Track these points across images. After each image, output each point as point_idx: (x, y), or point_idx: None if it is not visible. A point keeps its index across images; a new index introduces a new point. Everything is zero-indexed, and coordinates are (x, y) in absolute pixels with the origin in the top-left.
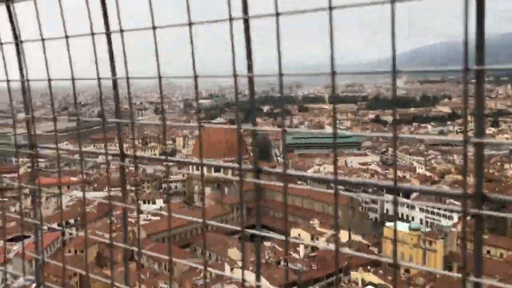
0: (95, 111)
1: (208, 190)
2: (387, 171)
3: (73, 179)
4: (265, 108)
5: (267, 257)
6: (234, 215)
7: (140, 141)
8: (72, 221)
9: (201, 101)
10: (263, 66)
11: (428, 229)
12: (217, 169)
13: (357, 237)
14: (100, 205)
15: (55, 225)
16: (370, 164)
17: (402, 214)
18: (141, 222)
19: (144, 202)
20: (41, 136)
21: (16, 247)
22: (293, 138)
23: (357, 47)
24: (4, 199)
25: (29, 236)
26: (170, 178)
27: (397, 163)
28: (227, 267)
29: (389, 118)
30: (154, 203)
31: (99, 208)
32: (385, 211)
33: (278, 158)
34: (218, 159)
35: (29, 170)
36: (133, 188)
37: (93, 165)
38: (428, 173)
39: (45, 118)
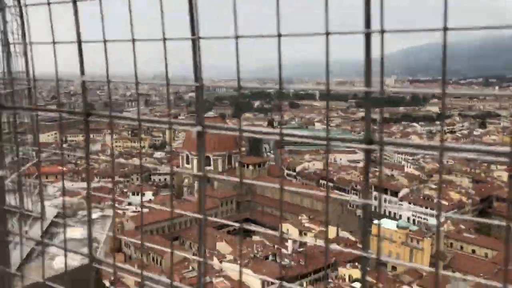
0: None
1: (196, 185)
2: (375, 169)
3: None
4: (256, 103)
5: (255, 251)
6: (224, 209)
7: (129, 132)
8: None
9: (190, 94)
10: (258, 60)
11: (416, 228)
12: (207, 163)
13: (345, 234)
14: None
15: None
16: (359, 162)
17: (390, 212)
18: (129, 214)
19: (133, 194)
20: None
21: None
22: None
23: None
24: None
25: None
26: (158, 170)
27: (385, 161)
28: (215, 260)
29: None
30: (143, 195)
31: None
32: (372, 209)
33: (268, 153)
34: (209, 153)
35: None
36: (121, 180)
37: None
38: (416, 172)
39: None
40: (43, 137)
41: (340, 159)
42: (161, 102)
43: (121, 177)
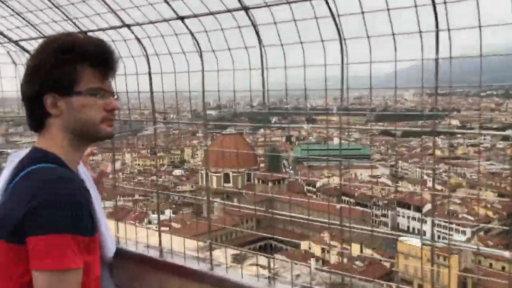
0: None
1: (217, 203)
2: (398, 184)
3: None
4: (273, 119)
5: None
6: (244, 226)
7: (148, 151)
8: None
9: (209, 111)
10: (273, 78)
11: (442, 244)
12: (227, 180)
13: (368, 251)
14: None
15: None
16: (380, 177)
17: (414, 228)
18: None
19: (153, 213)
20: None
21: None
22: (302, 150)
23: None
24: None
25: None
26: (178, 188)
27: (407, 176)
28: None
29: (397, 130)
30: (163, 213)
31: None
32: (396, 225)
33: (287, 169)
34: (228, 170)
35: None
36: (141, 198)
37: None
38: (439, 187)
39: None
40: None
41: (361, 174)
42: (178, 119)
43: (141, 196)
